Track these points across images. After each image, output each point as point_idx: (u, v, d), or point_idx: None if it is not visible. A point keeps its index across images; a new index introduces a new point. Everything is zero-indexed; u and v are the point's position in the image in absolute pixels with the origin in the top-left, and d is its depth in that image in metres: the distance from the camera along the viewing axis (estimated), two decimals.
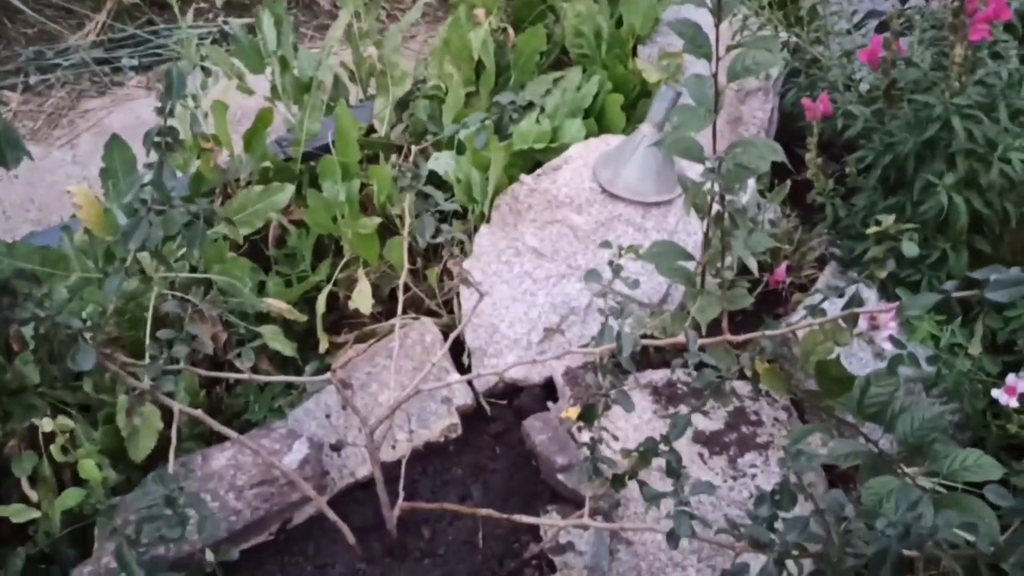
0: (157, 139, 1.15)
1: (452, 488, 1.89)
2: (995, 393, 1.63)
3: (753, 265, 1.57)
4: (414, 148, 1.92)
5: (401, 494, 1.73)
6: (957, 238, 1.96)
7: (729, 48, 1.51)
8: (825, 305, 1.44)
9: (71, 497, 1.61)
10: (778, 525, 1.26)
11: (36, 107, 3.05)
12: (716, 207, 1.51)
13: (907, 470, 1.53)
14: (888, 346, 1.63)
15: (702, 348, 1.40)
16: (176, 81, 1.14)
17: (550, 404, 2.01)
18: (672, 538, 1.33)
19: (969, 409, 1.78)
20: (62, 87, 3.12)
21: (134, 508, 1.19)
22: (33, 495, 1.66)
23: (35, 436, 1.69)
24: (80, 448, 1.64)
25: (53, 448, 1.61)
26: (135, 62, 3.24)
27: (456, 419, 1.97)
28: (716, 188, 1.42)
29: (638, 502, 1.78)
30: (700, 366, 1.35)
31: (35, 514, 1.63)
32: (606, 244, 1.66)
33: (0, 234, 2.51)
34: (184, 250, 1.85)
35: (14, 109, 3.02)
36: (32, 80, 3.12)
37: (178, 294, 1.82)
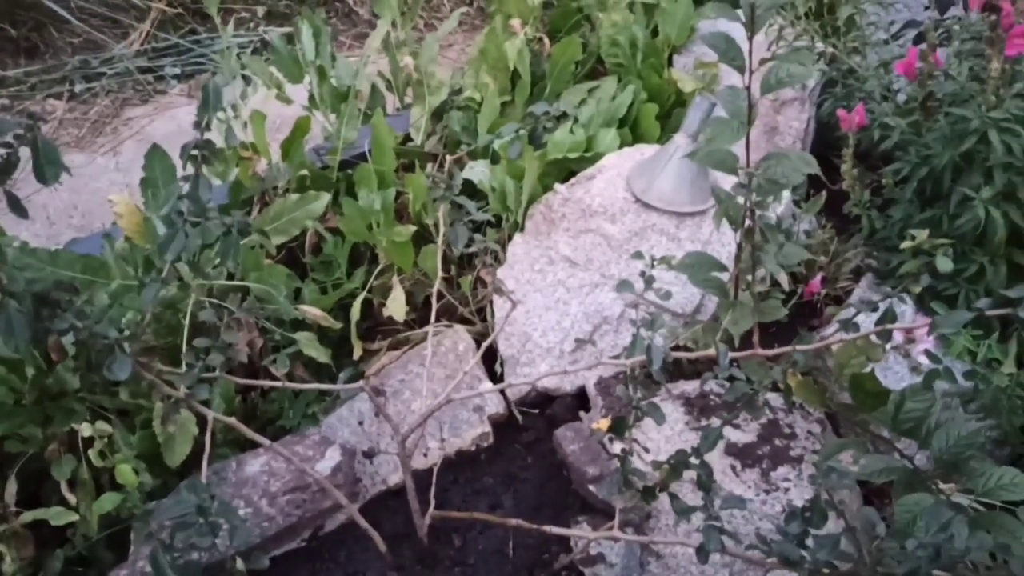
0: (193, 152, 1.17)
1: (483, 497, 1.89)
2: None
3: (783, 280, 1.56)
4: (448, 158, 1.93)
5: (432, 502, 1.74)
6: (995, 252, 1.94)
7: (763, 61, 1.50)
8: (859, 319, 1.43)
9: (108, 501, 1.64)
10: (809, 542, 1.25)
11: (81, 115, 3.11)
12: (748, 221, 1.50)
13: (943, 487, 1.51)
14: (924, 360, 1.61)
15: (734, 361, 1.40)
16: (213, 95, 1.16)
17: (582, 414, 2.01)
18: (702, 553, 1.33)
19: (1007, 425, 1.75)
20: (106, 95, 3.18)
21: (168, 516, 1.20)
22: (72, 498, 1.69)
23: (75, 440, 1.72)
24: (118, 453, 1.66)
25: (91, 453, 1.64)
26: (177, 71, 3.30)
27: (488, 428, 1.97)
28: (748, 201, 1.41)
29: (670, 514, 1.78)
30: (731, 379, 1.35)
31: (74, 517, 1.66)
32: (638, 255, 1.66)
33: (44, 240, 2.56)
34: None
35: (60, 117, 3.08)
36: (77, 89, 3.19)
37: (215, 301, 1.85)
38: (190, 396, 1.30)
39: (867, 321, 1.44)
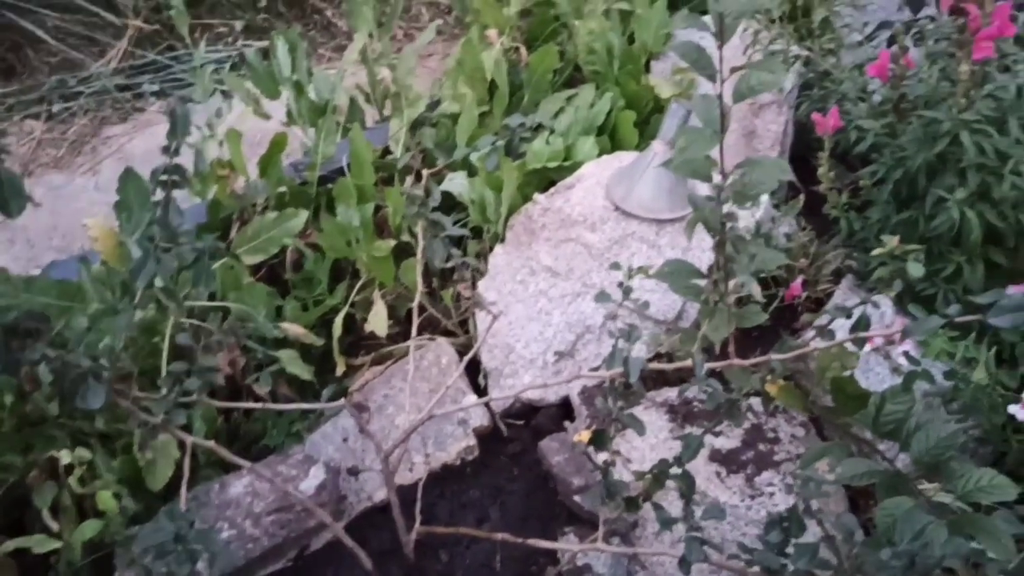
0: (163, 177, 1.17)
1: (470, 510, 1.89)
2: (1012, 409, 1.61)
3: (756, 291, 1.57)
4: (425, 172, 1.93)
5: (418, 518, 1.74)
6: (972, 251, 1.94)
7: (733, 70, 1.50)
8: (837, 324, 1.43)
9: (89, 528, 1.63)
10: (790, 550, 1.25)
11: (59, 135, 3.09)
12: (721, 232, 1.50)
13: (927, 487, 1.51)
14: (904, 361, 1.62)
15: (713, 371, 1.40)
16: (180, 120, 1.16)
17: (567, 424, 2.01)
18: (684, 564, 1.33)
19: (987, 424, 1.76)
20: (85, 115, 3.17)
21: (147, 543, 1.20)
22: (54, 525, 1.68)
23: (56, 467, 1.71)
24: (98, 479, 1.66)
25: (71, 479, 1.63)
26: (156, 88, 3.29)
27: (473, 441, 1.97)
28: (718, 212, 1.42)
29: (656, 522, 1.78)
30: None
31: (57, 544, 1.65)
32: (616, 266, 1.66)
33: (24, 263, 2.55)
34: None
35: (38, 138, 3.07)
36: (55, 108, 3.17)
37: (196, 322, 1.85)
38: (167, 422, 1.29)
39: (845, 326, 1.45)
